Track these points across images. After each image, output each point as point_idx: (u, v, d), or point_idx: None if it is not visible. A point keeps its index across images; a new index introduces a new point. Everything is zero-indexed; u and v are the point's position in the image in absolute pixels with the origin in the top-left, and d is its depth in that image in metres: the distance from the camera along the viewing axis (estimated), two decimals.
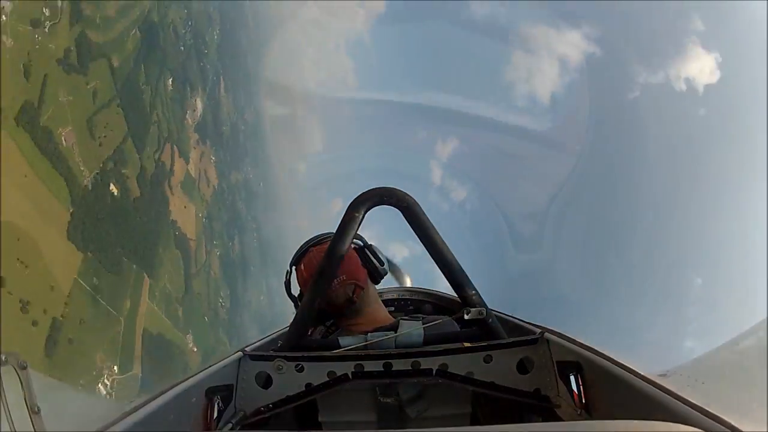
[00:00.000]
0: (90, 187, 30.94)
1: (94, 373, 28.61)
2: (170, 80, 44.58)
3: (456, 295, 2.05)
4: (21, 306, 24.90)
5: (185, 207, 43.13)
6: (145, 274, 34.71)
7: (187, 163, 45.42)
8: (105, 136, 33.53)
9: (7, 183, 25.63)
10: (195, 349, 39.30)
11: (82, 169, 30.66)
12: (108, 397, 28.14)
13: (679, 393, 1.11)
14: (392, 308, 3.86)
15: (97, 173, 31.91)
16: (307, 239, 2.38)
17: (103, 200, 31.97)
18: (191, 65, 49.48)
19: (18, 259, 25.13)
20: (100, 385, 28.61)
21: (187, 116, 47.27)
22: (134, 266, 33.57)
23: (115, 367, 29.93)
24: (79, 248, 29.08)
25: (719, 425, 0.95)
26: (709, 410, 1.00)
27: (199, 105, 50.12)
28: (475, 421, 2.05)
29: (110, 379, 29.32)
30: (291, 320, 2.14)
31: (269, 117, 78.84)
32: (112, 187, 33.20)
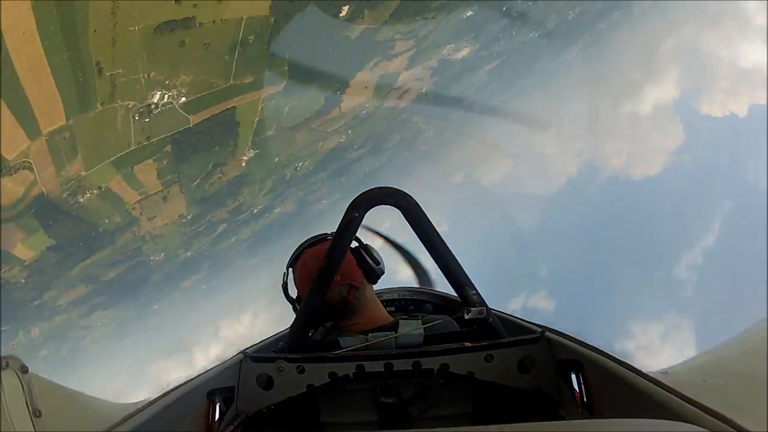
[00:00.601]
0: None
1: (174, 92, 26.76)
2: (468, 14, 40.92)
3: (456, 295, 1.98)
4: None
5: (365, 88, 39.92)
6: (285, 84, 32.10)
7: (406, 70, 41.93)
8: None
9: None
10: (242, 164, 36.74)
11: None
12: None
13: (681, 391, 1.09)
14: (392, 308, 3.83)
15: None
16: (303, 241, 2.27)
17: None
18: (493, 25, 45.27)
19: None
20: (167, 94, 26.62)
21: (450, 47, 43.71)
22: (284, 67, 30.76)
23: (182, 99, 27.50)
24: (271, 11, 26.63)
25: (722, 424, 0.94)
26: (712, 408, 0.98)
27: (464, 52, 46.33)
28: (476, 421, 1.93)
29: (167, 101, 27.00)
30: (291, 322, 2.10)
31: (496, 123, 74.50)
32: (345, 8, 30.50)
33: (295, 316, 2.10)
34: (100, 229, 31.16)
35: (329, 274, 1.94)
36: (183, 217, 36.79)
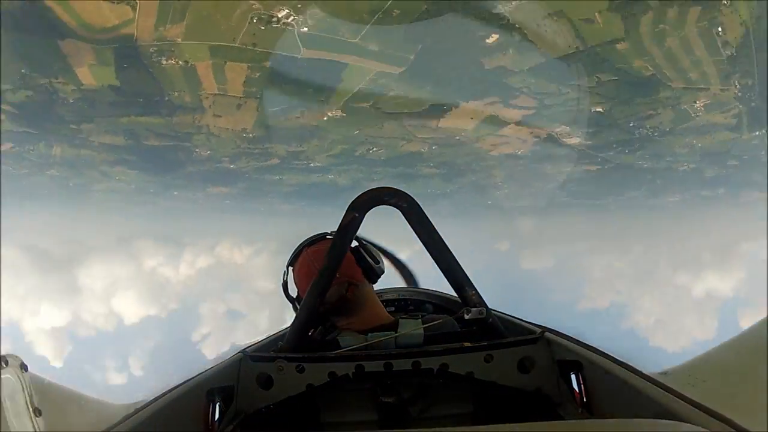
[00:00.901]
0: None
1: (300, 18, 24.82)
2: (597, 109, 37.16)
3: (456, 295, 1.98)
4: None
5: (471, 118, 37.04)
6: (403, 71, 29.49)
7: (515, 125, 38.87)
8: None
9: None
10: (324, 118, 34.59)
11: None
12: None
13: (681, 391, 1.07)
14: (392, 308, 3.75)
15: None
16: (303, 240, 2.29)
17: None
18: None
19: None
20: (293, 16, 24.70)
21: (565, 129, 40.58)
22: (411, 55, 28.33)
23: (304, 29, 25.57)
24: None
25: (722, 424, 0.93)
26: (712, 408, 0.96)
27: (574, 140, 43.11)
28: (476, 421, 1.88)
29: (290, 23, 25.07)
30: (291, 321, 2.03)
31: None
32: (494, 36, 27.32)
33: (295, 315, 2.07)
34: (166, 98, 29.80)
35: (330, 273, 1.92)
36: (245, 132, 35.18)
